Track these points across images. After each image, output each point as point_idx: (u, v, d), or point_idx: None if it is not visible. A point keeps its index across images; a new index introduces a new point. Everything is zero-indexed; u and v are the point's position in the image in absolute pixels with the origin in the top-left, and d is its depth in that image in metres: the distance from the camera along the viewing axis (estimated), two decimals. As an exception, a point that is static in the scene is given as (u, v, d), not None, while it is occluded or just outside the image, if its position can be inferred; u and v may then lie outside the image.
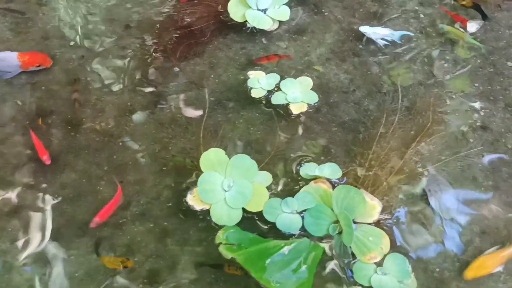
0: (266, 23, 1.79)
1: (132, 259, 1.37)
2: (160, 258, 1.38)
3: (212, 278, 1.36)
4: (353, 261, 1.34)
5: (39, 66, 1.68)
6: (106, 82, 1.71)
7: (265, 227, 1.41)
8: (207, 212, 1.41)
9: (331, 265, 1.36)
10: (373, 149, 1.53)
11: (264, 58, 1.74)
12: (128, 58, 1.76)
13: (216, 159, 1.43)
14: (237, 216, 1.38)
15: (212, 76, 1.73)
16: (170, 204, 1.47)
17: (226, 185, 1.41)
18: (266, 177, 1.45)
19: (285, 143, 1.58)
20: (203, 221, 1.42)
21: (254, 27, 1.80)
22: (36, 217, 1.43)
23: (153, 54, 1.77)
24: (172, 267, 1.37)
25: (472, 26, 1.82)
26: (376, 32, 1.78)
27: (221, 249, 1.33)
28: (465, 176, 1.53)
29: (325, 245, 1.37)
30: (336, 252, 1.36)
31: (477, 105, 1.67)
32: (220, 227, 1.38)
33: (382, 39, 1.78)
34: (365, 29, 1.78)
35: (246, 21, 1.79)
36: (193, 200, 1.41)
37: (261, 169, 1.49)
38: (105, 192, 1.48)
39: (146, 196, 1.48)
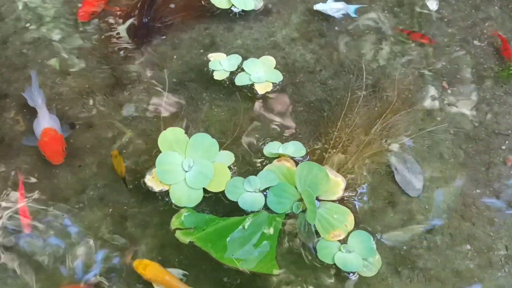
0: (251, 4, 1.75)
1: (90, 245, 1.32)
2: (120, 243, 1.33)
3: (176, 261, 1.31)
4: (317, 239, 1.31)
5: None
6: (64, 65, 1.65)
7: (228, 207, 1.37)
8: (166, 193, 1.37)
9: (294, 243, 1.33)
10: (338, 127, 1.50)
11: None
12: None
13: (175, 139, 1.38)
14: (198, 196, 1.34)
15: (174, 57, 1.68)
16: (130, 186, 1.42)
17: (186, 165, 1.36)
18: (228, 157, 1.41)
19: (250, 123, 1.54)
20: (162, 202, 1.38)
21: (242, 10, 1.76)
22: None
23: (114, 35, 1.72)
24: (133, 252, 1.32)
25: (432, 4, 1.80)
26: (332, 8, 1.76)
27: (178, 234, 1.28)
28: (432, 153, 1.51)
29: (287, 220, 1.34)
30: (300, 230, 1.32)
31: (444, 83, 1.66)
32: (180, 208, 1.34)
33: (338, 12, 1.77)
34: (319, 6, 1.76)
35: (230, 7, 1.75)
36: (152, 181, 1.37)
37: (224, 149, 1.45)
38: (61, 176, 1.42)
39: (104, 179, 1.43)
